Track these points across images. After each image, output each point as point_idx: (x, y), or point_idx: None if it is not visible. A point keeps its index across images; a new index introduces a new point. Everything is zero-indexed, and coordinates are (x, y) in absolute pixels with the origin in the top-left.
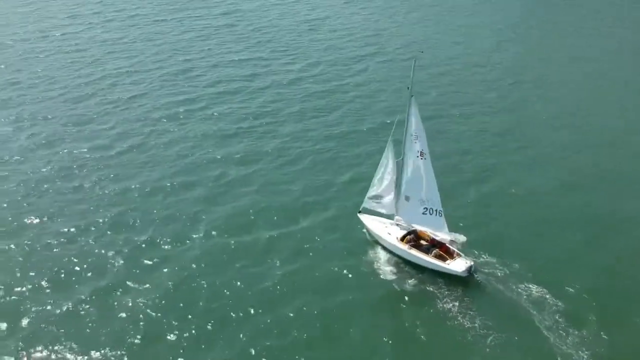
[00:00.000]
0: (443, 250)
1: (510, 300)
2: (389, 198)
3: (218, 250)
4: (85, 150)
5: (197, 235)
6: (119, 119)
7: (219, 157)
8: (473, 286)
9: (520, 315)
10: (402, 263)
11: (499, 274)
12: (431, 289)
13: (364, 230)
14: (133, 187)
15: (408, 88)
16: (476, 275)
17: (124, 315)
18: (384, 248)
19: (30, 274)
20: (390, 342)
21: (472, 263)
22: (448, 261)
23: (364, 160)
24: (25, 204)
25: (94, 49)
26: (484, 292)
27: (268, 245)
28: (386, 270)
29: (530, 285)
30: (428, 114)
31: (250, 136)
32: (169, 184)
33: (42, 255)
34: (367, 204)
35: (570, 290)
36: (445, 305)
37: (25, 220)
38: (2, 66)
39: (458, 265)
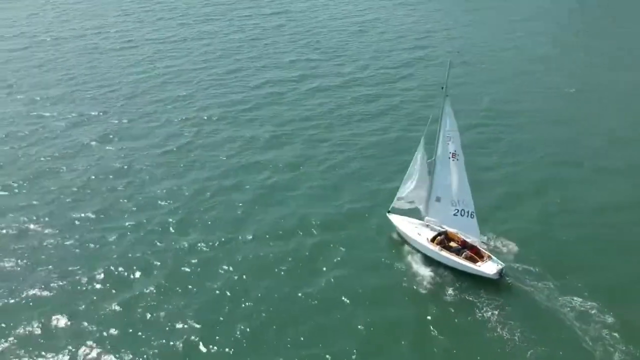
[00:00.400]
0: (474, 252)
1: (554, 312)
2: (418, 198)
3: (263, 254)
4: (135, 148)
5: (242, 239)
6: (168, 117)
7: (265, 159)
8: (514, 296)
9: (564, 328)
10: (440, 269)
11: (544, 286)
12: (471, 298)
13: (394, 230)
14: (180, 187)
15: (442, 88)
16: (508, 278)
17: (168, 316)
18: (415, 249)
19: (77, 271)
20: (428, 353)
21: (503, 265)
22: (479, 263)
23: None
24: (74, 200)
25: (145, 46)
26: (525, 302)
27: (313, 251)
28: (425, 276)
29: (577, 299)
30: (480, 121)
31: (297, 139)
32: (215, 185)
33: (89, 253)
34: (396, 204)
35: (622, 307)
36: (484, 314)
37: (74, 215)
38: (60, 60)
39: (489, 267)
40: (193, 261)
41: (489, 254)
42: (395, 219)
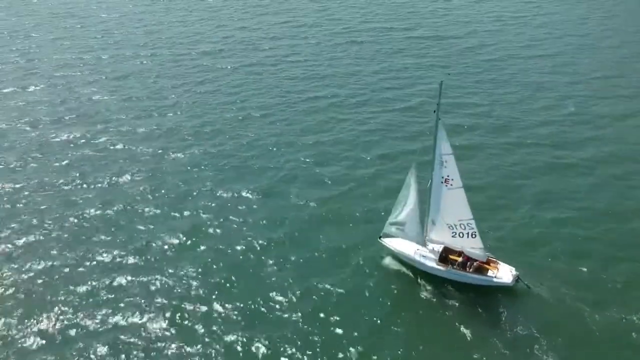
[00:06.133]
0: (480, 262)
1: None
2: (412, 223)
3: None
4: (242, 191)
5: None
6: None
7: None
8: (532, 300)
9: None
10: (444, 283)
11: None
12: (486, 308)
13: (390, 254)
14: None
15: (434, 111)
16: (526, 283)
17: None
18: (419, 270)
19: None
20: None
21: (517, 272)
22: (490, 272)
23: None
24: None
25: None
26: (542, 304)
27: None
28: (433, 295)
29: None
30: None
31: None
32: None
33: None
34: (389, 229)
35: None
36: (505, 324)
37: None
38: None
39: (504, 275)
40: None
41: (495, 259)
42: (392, 242)
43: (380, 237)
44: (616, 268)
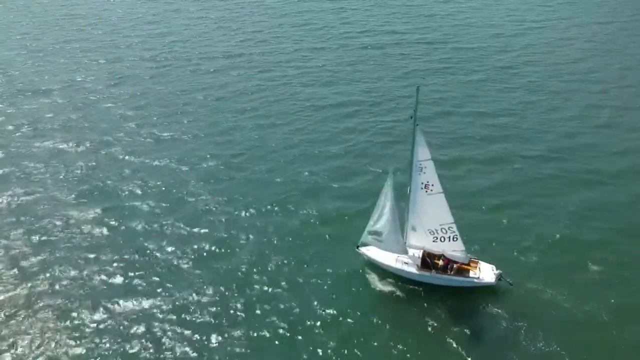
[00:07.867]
0: (460, 263)
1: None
2: (391, 231)
3: None
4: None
5: None
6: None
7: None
8: (513, 297)
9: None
10: (423, 287)
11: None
12: (469, 307)
13: (367, 263)
14: None
15: (411, 117)
16: (508, 280)
17: None
18: (400, 277)
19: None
20: None
21: (498, 270)
22: (472, 273)
23: None
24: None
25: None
26: (525, 301)
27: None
28: (413, 300)
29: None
30: None
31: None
32: None
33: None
34: (368, 239)
35: None
36: (488, 322)
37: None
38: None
39: (486, 275)
40: None
41: (476, 259)
42: (370, 252)
43: (357, 247)
44: (615, 271)
